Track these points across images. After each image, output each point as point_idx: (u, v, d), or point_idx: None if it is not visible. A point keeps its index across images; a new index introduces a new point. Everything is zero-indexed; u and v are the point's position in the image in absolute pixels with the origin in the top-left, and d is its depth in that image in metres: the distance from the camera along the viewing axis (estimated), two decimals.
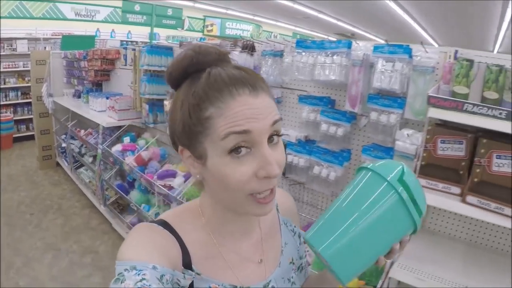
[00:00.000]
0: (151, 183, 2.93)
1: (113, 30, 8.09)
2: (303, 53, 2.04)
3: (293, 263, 0.89)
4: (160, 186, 2.79)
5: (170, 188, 2.74)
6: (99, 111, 4.38)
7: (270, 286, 0.80)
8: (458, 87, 1.56)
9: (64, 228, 4.14)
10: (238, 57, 2.34)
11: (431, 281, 1.50)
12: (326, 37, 14.21)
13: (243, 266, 0.78)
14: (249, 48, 2.37)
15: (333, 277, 0.82)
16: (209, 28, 11.19)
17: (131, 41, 6.92)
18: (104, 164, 4.01)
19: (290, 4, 8.59)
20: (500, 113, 1.38)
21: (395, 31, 12.05)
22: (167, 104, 3.09)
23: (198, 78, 0.65)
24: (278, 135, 0.67)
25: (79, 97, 5.51)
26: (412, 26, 10.74)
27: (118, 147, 3.60)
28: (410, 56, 1.85)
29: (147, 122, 3.53)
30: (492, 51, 11.98)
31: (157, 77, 3.39)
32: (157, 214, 2.98)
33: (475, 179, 1.49)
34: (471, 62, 1.52)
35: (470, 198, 1.48)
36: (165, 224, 0.72)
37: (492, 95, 1.48)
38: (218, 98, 0.62)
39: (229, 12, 10.63)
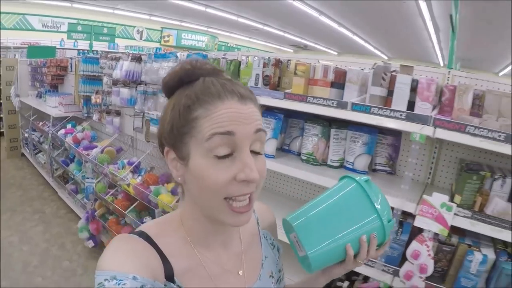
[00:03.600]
0: (79, 153, 4.12)
1: (75, 40, 9.24)
2: (155, 61, 3.28)
3: (273, 277, 0.91)
4: (84, 154, 3.99)
5: (89, 155, 3.94)
6: (53, 107, 5.53)
7: None
8: None
9: (21, 198, 5.26)
10: (129, 64, 3.57)
11: None
12: (279, 48, 15.49)
13: (224, 277, 0.79)
14: (137, 58, 3.60)
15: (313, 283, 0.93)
16: (166, 38, 12.43)
17: (92, 51, 8.06)
18: (55, 147, 5.18)
19: (234, 18, 9.83)
20: None
21: (341, 44, 13.39)
22: (93, 98, 4.30)
23: (191, 86, 0.70)
24: (259, 151, 0.71)
25: (40, 97, 6.62)
26: (355, 40, 12.02)
27: (62, 132, 4.79)
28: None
29: (83, 113, 4.74)
30: (438, 64, 13.39)
31: (89, 80, 4.59)
32: (83, 177, 4.14)
33: None
34: (217, 59, 2.63)
35: None
36: (145, 236, 0.73)
37: None
38: (207, 101, 0.66)
39: (184, 24, 11.85)
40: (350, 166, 2.18)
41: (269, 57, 2.11)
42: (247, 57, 2.28)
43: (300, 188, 2.65)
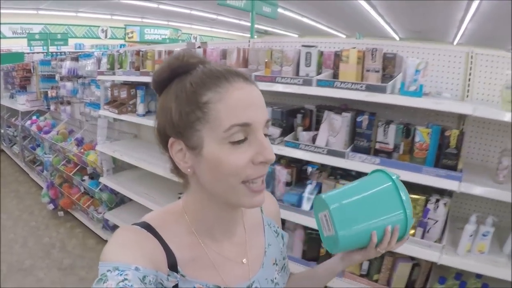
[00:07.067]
0: (40, 137, 5.12)
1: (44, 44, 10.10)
2: (84, 59, 4.26)
3: (276, 264, 0.92)
4: (43, 136, 4.99)
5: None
6: (21, 104, 6.51)
7: (253, 286, 0.82)
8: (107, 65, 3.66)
9: (2, 182, 6.25)
10: (69, 63, 4.55)
11: None
12: (242, 35, 16.26)
13: (228, 266, 0.80)
14: (75, 58, 4.58)
15: (321, 273, 0.97)
16: (130, 35, 13.32)
17: (60, 53, 8.96)
18: (25, 137, 6.18)
19: (187, 11, 10.65)
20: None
21: (299, 27, 13.99)
22: (49, 92, 5.29)
23: (189, 74, 0.69)
24: (267, 133, 0.72)
25: (13, 97, 7.56)
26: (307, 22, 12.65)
27: (28, 123, 5.79)
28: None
29: (44, 106, 5.74)
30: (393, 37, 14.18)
31: (46, 78, 5.58)
32: (45, 154, 5.13)
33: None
34: (112, 54, 3.60)
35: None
36: (148, 227, 0.73)
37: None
38: (215, 83, 0.66)
39: (146, 20, 12.68)
40: None
41: (133, 50, 3.11)
42: (124, 51, 3.28)
43: None
